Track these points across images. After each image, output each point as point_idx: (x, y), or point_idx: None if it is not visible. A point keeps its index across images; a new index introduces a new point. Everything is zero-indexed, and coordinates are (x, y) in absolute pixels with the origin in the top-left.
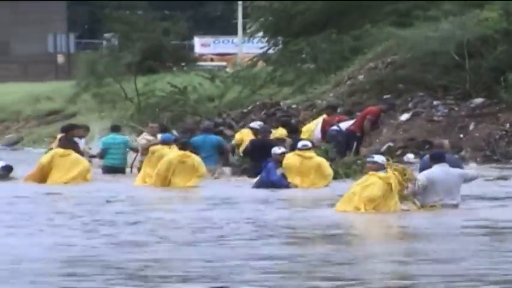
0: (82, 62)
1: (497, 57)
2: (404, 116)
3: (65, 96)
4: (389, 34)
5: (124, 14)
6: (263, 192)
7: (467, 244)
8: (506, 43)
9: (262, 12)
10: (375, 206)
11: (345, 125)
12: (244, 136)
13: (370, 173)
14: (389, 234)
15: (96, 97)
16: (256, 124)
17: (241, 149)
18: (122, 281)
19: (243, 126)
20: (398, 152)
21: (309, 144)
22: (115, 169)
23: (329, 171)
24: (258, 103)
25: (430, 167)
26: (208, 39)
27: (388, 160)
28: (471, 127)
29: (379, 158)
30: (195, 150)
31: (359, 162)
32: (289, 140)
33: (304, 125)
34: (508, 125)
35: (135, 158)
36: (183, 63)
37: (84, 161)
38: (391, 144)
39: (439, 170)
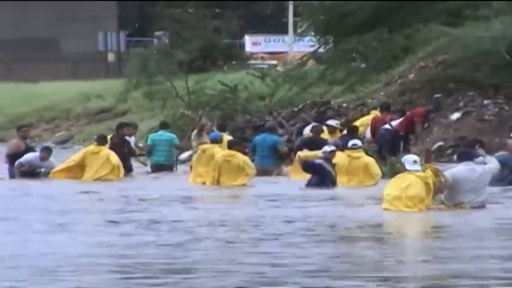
0: (133, 59)
1: None
2: (455, 115)
3: (115, 95)
4: (440, 33)
5: (175, 12)
6: (314, 191)
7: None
8: None
9: (313, 11)
10: (416, 205)
11: (395, 124)
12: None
13: (407, 172)
14: (432, 232)
15: (147, 95)
16: (333, 122)
17: None
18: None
19: (293, 125)
20: (449, 151)
21: (359, 143)
22: (162, 166)
23: (377, 170)
24: (308, 102)
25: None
26: (259, 38)
27: (420, 162)
28: None
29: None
30: (254, 148)
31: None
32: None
33: (353, 123)
34: None
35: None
36: (234, 62)
37: (115, 158)
38: (441, 143)
39: (463, 169)
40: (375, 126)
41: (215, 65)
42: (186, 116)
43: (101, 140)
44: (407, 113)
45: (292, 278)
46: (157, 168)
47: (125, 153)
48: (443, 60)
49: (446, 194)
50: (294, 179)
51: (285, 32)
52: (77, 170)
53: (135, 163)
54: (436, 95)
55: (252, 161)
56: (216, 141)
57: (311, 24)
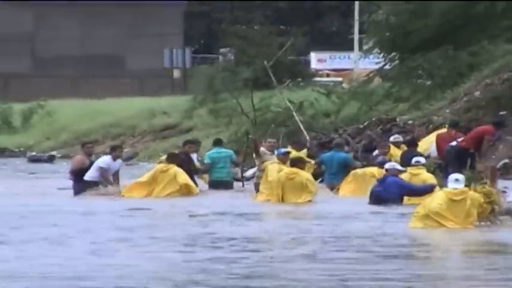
0: (199, 77)
1: None
2: None
3: (180, 111)
4: (505, 50)
5: (240, 29)
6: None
7: None
8: None
9: (378, 28)
10: (440, 219)
11: (461, 141)
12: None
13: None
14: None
15: (212, 112)
16: (397, 138)
17: None
18: None
19: (359, 142)
20: None
21: (422, 160)
22: (222, 183)
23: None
24: (373, 119)
25: None
26: (324, 55)
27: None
28: None
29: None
30: (321, 165)
31: (477, 176)
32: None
33: (419, 140)
34: None
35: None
36: (299, 79)
37: (182, 177)
38: (507, 160)
39: None
40: (441, 143)
41: (281, 82)
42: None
43: (170, 158)
44: (473, 130)
45: None
46: (217, 184)
47: (191, 170)
48: (508, 78)
49: None
50: (342, 194)
51: (350, 49)
52: (147, 187)
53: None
54: (501, 112)
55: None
56: (281, 157)
57: (377, 41)
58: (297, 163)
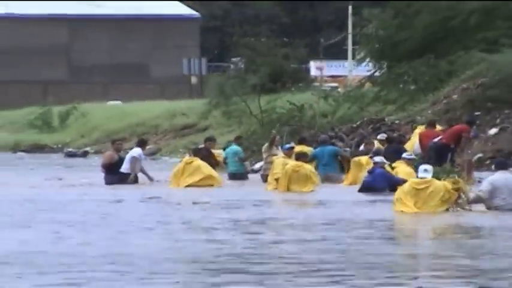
0: (213, 84)
1: None
2: (493, 131)
3: (197, 113)
4: (479, 59)
5: (249, 41)
6: (366, 196)
7: None
8: None
9: (369, 40)
10: (399, 203)
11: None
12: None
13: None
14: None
15: (225, 114)
16: (382, 136)
17: None
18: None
19: (352, 139)
20: (487, 162)
21: (413, 156)
22: (234, 175)
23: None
24: (365, 119)
25: None
26: (322, 63)
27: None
28: None
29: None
30: (316, 159)
31: (454, 170)
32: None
33: (404, 137)
34: None
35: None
36: (300, 84)
37: (206, 169)
38: (481, 155)
39: (500, 177)
40: (423, 139)
41: (284, 87)
42: (259, 132)
43: (195, 153)
44: (453, 127)
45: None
46: (231, 176)
47: (213, 163)
48: (482, 83)
49: (487, 198)
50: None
51: (345, 58)
52: (177, 178)
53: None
54: (476, 113)
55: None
56: (287, 152)
57: (367, 51)
58: (301, 157)
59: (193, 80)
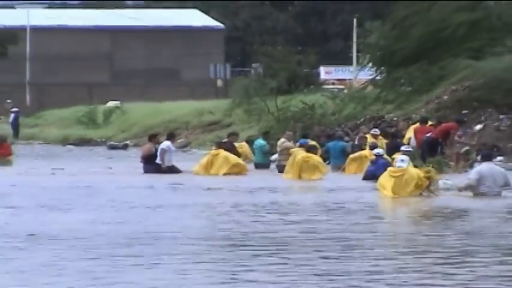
0: (237, 86)
1: None
2: (478, 127)
3: (222, 111)
4: (466, 65)
5: (267, 49)
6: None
7: None
8: None
9: (371, 48)
10: (381, 188)
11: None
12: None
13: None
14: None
15: (246, 112)
16: (375, 131)
17: None
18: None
19: (357, 134)
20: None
21: (410, 148)
22: (261, 165)
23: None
24: (367, 116)
25: None
26: (331, 68)
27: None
28: None
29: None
30: (328, 151)
31: (444, 160)
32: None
33: (400, 132)
34: None
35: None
36: (311, 86)
37: (233, 158)
38: (468, 148)
39: (485, 167)
40: (417, 135)
41: (297, 89)
42: (275, 128)
43: (218, 145)
44: (443, 124)
45: None
46: (257, 166)
47: (236, 154)
48: (468, 85)
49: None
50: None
51: (350, 64)
52: (205, 168)
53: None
54: (464, 111)
55: (325, 160)
56: (303, 145)
57: (370, 58)
58: (311, 149)
59: (219, 82)
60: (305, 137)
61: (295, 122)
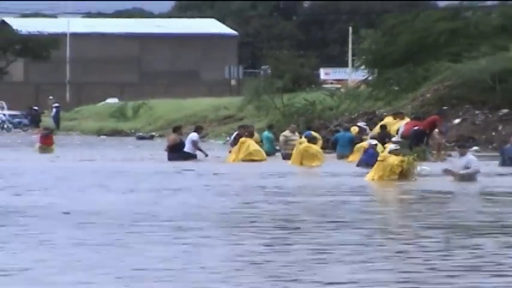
0: (248, 85)
1: None
2: (456, 121)
3: (235, 107)
4: (447, 67)
5: (274, 53)
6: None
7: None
8: None
9: (364, 52)
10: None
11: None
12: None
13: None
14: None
15: (257, 108)
16: (362, 123)
17: None
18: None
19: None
20: (452, 144)
21: (399, 139)
22: (268, 153)
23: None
24: (360, 112)
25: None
26: (329, 70)
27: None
28: (500, 128)
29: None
30: (336, 141)
31: (428, 150)
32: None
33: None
34: None
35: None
36: (313, 86)
37: (252, 145)
38: (447, 139)
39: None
40: (406, 127)
41: (300, 88)
42: (282, 122)
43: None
44: (428, 118)
45: None
46: (267, 154)
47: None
48: (449, 85)
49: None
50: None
51: (346, 65)
52: (234, 155)
53: None
54: (444, 107)
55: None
56: (307, 136)
57: (363, 61)
58: (312, 140)
59: (233, 82)
60: (309, 129)
61: (298, 116)
